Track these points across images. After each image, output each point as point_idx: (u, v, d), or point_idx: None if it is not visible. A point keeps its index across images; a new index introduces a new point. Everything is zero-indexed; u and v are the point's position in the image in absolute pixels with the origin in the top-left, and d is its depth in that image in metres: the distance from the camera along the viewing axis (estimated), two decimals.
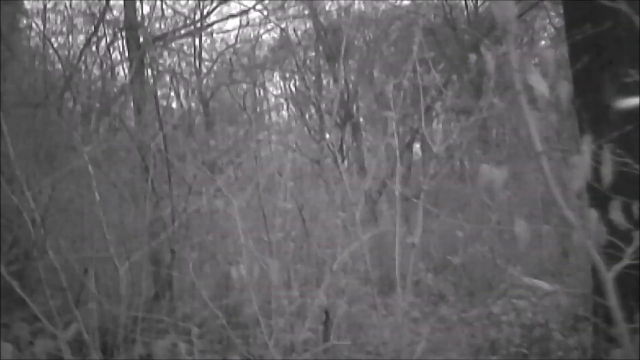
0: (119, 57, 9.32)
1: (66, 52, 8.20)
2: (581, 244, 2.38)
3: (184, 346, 2.47)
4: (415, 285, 6.43)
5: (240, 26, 9.99)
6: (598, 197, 2.76)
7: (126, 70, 8.56)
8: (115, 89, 8.60)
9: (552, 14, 9.49)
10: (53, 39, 8.37)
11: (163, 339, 2.68)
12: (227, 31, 10.38)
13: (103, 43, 8.70)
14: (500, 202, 4.07)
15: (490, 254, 5.55)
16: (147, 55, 8.00)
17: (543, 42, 9.55)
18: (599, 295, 2.64)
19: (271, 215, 5.71)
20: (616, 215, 2.58)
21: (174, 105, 9.84)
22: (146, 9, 8.47)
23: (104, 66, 8.56)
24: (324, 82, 10.86)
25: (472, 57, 4.31)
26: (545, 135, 2.58)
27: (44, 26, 8.08)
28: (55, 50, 7.85)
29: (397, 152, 5.48)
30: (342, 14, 9.76)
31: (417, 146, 10.17)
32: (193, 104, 9.82)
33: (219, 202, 5.06)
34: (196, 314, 4.98)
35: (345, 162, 10.16)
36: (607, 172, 2.39)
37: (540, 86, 2.43)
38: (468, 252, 5.49)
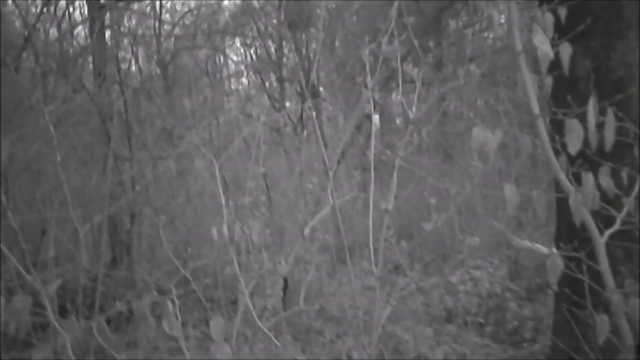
0: (79, 18, 9.16)
1: (24, 12, 8.01)
2: (576, 209, 2.40)
3: (169, 303, 2.46)
4: (374, 253, 6.48)
5: None
6: (593, 163, 2.79)
7: (86, 32, 8.41)
8: (74, 51, 8.45)
9: None
10: None
11: (142, 298, 2.66)
12: None
13: (63, 3, 8.53)
14: (481, 168, 4.10)
15: (446, 225, 5.62)
16: (108, 16, 7.87)
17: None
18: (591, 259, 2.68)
19: (240, 180, 5.72)
20: (605, 181, 2.61)
21: (133, 68, 9.71)
22: None
23: (63, 26, 8.39)
24: (286, 50, 10.81)
25: (452, 24, 4.33)
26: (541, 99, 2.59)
27: None
28: (17, 5, 7.68)
29: (373, 119, 5.50)
30: None
31: (375, 117, 10.21)
32: (153, 68, 9.70)
33: (199, 162, 5.02)
34: (158, 278, 4.98)
35: (305, 131, 10.16)
36: (610, 135, 2.40)
37: (544, 46, 2.44)
38: (437, 221, 5.53)
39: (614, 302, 2.34)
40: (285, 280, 6.17)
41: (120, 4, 8.13)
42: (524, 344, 5.35)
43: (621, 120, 2.47)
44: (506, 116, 7.16)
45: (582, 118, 2.38)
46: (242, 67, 11.67)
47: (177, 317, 2.47)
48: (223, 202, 3.06)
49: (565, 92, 2.52)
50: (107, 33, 8.38)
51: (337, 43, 10.30)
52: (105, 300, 4.90)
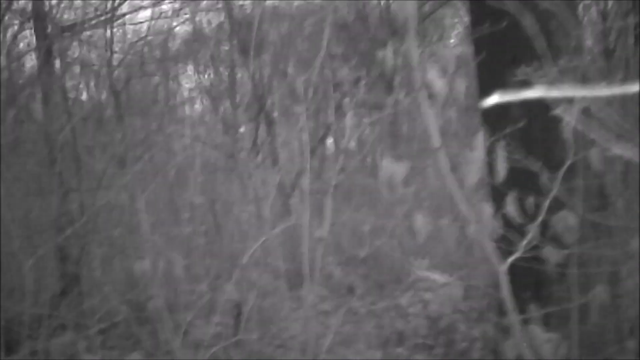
0: (27, 47, 9.09)
1: None
2: (475, 237, 2.47)
3: (83, 343, 2.44)
4: (326, 279, 6.50)
5: (153, 18, 9.87)
6: (497, 192, 2.86)
7: (34, 61, 8.35)
8: (22, 80, 8.39)
9: (462, 12, 9.72)
10: None
11: (61, 336, 2.64)
12: (140, 22, 10.24)
13: (10, 33, 8.47)
14: (405, 196, 4.15)
15: (396, 248, 5.66)
16: (56, 45, 7.83)
17: (452, 40, 9.76)
18: (494, 287, 2.75)
19: (181, 209, 5.70)
20: (511, 209, 2.69)
21: (84, 97, 9.65)
22: None
23: (10, 56, 8.33)
24: (238, 76, 10.82)
25: (380, 53, 4.39)
26: (444, 131, 2.66)
27: None
28: None
29: (308, 147, 5.53)
30: (256, 8, 9.76)
31: (330, 141, 10.25)
32: (104, 96, 9.65)
33: (123, 196, 5.01)
34: (106, 311, 4.93)
35: (260, 156, 10.16)
36: (501, 168, 2.48)
37: (438, 83, 2.51)
38: (374, 246, 5.58)
39: (513, 329, 2.39)
40: (239, 307, 6.15)
41: (67, 33, 8.10)
42: None
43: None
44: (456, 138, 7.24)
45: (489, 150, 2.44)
46: (195, 94, 11.67)
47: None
48: (146, 235, 3.05)
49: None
50: (57, 62, 8.35)
51: (290, 69, 10.35)
52: (54, 333, 4.84)
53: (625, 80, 4.56)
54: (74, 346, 2.52)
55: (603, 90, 0.94)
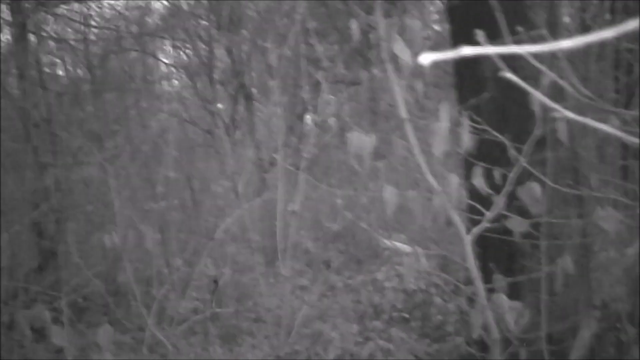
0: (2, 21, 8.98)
1: None
2: (442, 207, 2.49)
3: (49, 314, 2.46)
4: (303, 253, 6.53)
5: None
6: (465, 164, 2.88)
7: (9, 35, 8.26)
8: None
9: None
10: None
11: (30, 309, 2.66)
12: None
13: None
14: (376, 169, 4.18)
15: (372, 222, 5.69)
16: (31, 20, 7.76)
17: (435, 16, 9.74)
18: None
19: (157, 184, 5.69)
20: (478, 181, 2.71)
21: (60, 72, 9.57)
22: None
23: None
24: (217, 51, 10.76)
25: (353, 25, 4.40)
26: (413, 103, 2.67)
27: None
28: None
29: (282, 122, 5.54)
30: None
31: (308, 117, 10.24)
32: (80, 72, 9.58)
33: (99, 172, 5.00)
34: (79, 284, 4.94)
35: (237, 132, 10.14)
36: (466, 138, 2.50)
37: (404, 54, 2.52)
38: (347, 219, 5.61)
39: (479, 298, 2.42)
40: (216, 282, 6.17)
41: (42, 7, 8.02)
42: (448, 338, 5.44)
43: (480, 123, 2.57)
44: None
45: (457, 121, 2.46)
46: (173, 69, 11.59)
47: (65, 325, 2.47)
48: (116, 208, 3.06)
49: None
50: (32, 37, 8.27)
51: (268, 45, 10.30)
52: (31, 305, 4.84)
53: (601, 58, 4.59)
54: (43, 318, 2.54)
55: (576, 41, 0.94)
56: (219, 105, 10.31)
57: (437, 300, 5.72)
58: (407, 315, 5.82)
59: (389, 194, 2.64)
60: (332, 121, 5.92)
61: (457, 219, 2.57)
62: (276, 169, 8.08)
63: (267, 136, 8.45)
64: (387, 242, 2.90)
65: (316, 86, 9.71)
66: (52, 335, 2.45)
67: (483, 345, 2.84)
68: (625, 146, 3.74)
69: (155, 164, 6.40)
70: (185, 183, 6.88)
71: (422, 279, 5.75)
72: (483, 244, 2.70)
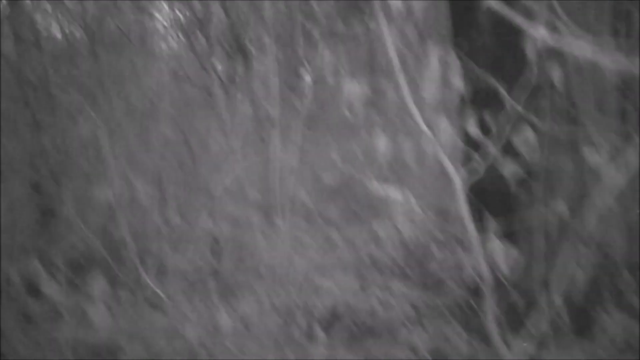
0: None
1: None
2: (433, 153, 2.48)
3: (43, 270, 2.47)
4: (302, 209, 6.54)
5: None
6: (458, 110, 2.86)
7: None
8: None
9: None
10: None
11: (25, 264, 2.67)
12: None
13: None
14: (368, 118, 4.15)
15: (364, 174, 5.68)
16: None
17: None
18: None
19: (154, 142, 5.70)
20: (472, 127, 2.69)
21: (56, 34, 9.50)
22: None
23: None
24: (213, 9, 10.66)
25: None
26: (403, 49, 2.65)
27: None
28: None
29: (277, 76, 5.51)
30: None
31: (305, 74, 10.18)
32: (77, 33, 9.51)
33: (97, 132, 4.99)
34: (77, 241, 4.96)
35: (235, 90, 10.09)
36: (456, 82, 2.48)
37: (396, 4, 2.48)
38: (343, 174, 5.62)
39: (473, 244, 2.42)
40: (216, 240, 6.20)
41: None
42: (446, 289, 5.47)
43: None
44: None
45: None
46: (170, 29, 11.50)
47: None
48: (110, 162, 3.06)
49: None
50: None
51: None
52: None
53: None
54: (37, 273, 2.55)
55: None
56: (217, 64, 10.25)
57: (435, 251, 5.74)
58: (405, 268, 5.85)
59: (383, 142, 2.63)
60: (328, 76, 5.90)
61: (450, 166, 2.56)
62: (273, 125, 8.08)
63: (264, 93, 8.41)
64: (379, 188, 2.90)
65: (312, 41, 9.67)
66: (45, 288, 2.46)
67: (478, 293, 2.85)
68: (623, 91, 3.72)
69: (152, 123, 6.39)
70: (183, 141, 6.87)
71: (419, 231, 5.76)
72: (477, 192, 2.69)
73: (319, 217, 6.50)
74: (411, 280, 5.85)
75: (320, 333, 4.71)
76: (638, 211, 4.43)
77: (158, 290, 4.48)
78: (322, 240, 6.16)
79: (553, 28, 2.56)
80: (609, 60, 2.16)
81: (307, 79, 10.74)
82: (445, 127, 2.50)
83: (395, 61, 2.52)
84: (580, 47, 2.46)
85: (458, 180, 2.56)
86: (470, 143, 2.65)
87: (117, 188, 3.80)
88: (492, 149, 2.61)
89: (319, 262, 6.07)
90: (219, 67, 10.42)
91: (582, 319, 3.40)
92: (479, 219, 2.65)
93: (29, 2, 8.42)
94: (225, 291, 5.80)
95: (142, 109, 6.88)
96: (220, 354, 4.66)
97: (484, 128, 2.67)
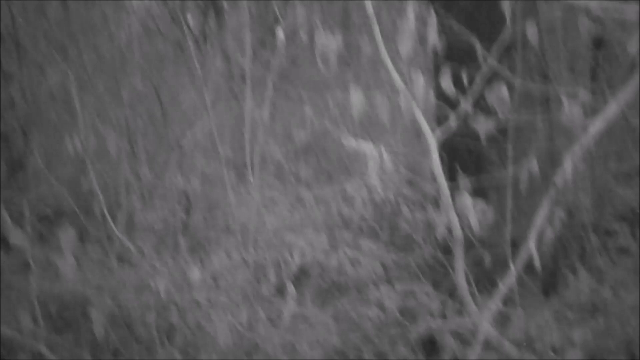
0: None
1: None
2: (405, 107, 2.47)
3: (11, 221, 2.44)
4: (274, 166, 6.53)
5: None
6: (432, 65, 2.84)
7: None
8: None
9: None
10: None
11: None
12: None
13: None
14: (342, 72, 4.13)
15: (337, 129, 5.67)
16: None
17: None
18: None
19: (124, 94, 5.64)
20: (446, 81, 2.68)
21: None
22: None
23: None
24: None
25: None
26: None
27: None
28: None
29: (248, 31, 5.45)
30: None
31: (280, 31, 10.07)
32: None
33: (57, 79, 4.91)
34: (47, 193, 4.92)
35: (208, 45, 9.96)
36: (432, 38, 2.46)
37: None
38: (316, 130, 5.60)
39: (443, 198, 2.43)
40: (186, 196, 6.17)
41: None
42: (415, 246, 5.50)
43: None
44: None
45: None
46: None
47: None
48: (79, 113, 3.00)
49: None
50: None
51: None
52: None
53: None
54: (5, 226, 2.53)
55: None
56: (189, 18, 10.10)
57: (405, 210, 5.76)
58: (376, 226, 5.86)
59: (357, 98, 2.61)
60: (302, 31, 5.82)
61: (423, 120, 2.56)
62: (245, 81, 8.01)
63: (237, 48, 8.32)
64: (352, 144, 2.90)
65: None
66: (10, 237, 2.43)
67: (447, 249, 2.87)
68: (595, 48, 3.72)
69: (123, 75, 6.31)
70: (154, 94, 6.80)
71: (390, 190, 5.77)
72: (449, 149, 2.69)
73: (290, 175, 6.49)
74: (381, 239, 5.87)
75: (290, 289, 4.73)
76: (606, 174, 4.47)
77: (128, 244, 4.46)
78: (293, 197, 6.15)
79: None
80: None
81: (281, 34, 10.62)
82: (420, 83, 2.48)
83: (371, 16, 2.49)
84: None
85: (431, 137, 2.56)
86: (444, 99, 2.64)
87: (87, 140, 3.75)
88: (466, 105, 2.60)
89: (289, 219, 6.06)
90: (192, 22, 10.27)
91: (549, 279, 3.44)
92: (451, 176, 2.66)
93: None
94: (195, 246, 5.79)
95: (112, 61, 6.77)
96: (189, 308, 4.67)
97: (459, 84, 2.66)
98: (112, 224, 4.15)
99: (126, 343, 4.52)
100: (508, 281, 2.82)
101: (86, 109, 6.52)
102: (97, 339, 3.91)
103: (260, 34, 8.56)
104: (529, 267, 2.84)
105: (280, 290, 4.93)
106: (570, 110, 2.85)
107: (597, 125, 2.98)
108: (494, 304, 2.89)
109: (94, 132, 4.18)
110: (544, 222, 2.86)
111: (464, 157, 3.41)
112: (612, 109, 2.78)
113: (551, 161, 3.65)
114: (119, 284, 4.50)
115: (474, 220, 2.60)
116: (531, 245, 2.61)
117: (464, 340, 3.41)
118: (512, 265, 2.84)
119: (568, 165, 3.94)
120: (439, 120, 2.63)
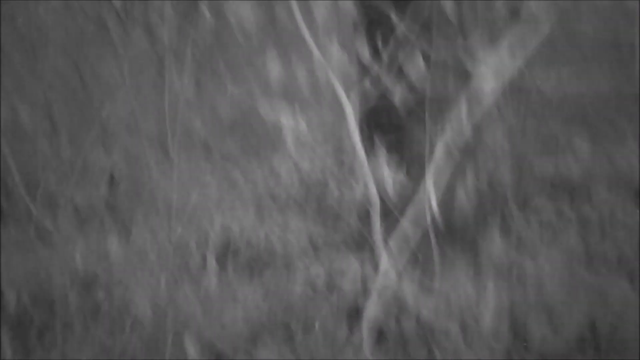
0: None
1: None
2: (325, 79, 2.47)
3: None
4: (200, 144, 6.47)
5: None
6: (351, 34, 2.84)
7: None
8: None
9: None
10: None
11: None
12: None
13: None
14: (261, 41, 4.10)
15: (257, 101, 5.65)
16: None
17: None
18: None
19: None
20: (361, 49, 2.68)
21: None
22: None
23: None
24: None
25: None
26: None
27: None
28: None
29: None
30: None
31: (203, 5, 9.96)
32: None
33: None
34: None
35: (132, 23, 9.79)
36: (349, 6, 2.46)
37: None
38: (241, 105, 5.58)
39: (362, 168, 2.45)
40: (112, 175, 6.07)
41: None
42: (342, 222, 5.53)
43: None
44: None
45: None
46: None
47: None
48: None
49: None
50: None
51: None
52: None
53: None
54: None
55: None
56: None
57: (332, 185, 5.79)
58: (304, 204, 5.88)
59: (276, 69, 2.60)
60: (226, 6, 5.77)
61: (342, 92, 2.56)
62: (169, 57, 7.91)
63: (160, 26, 8.19)
64: (272, 116, 2.89)
65: None
66: None
67: (367, 218, 2.89)
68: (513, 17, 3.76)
69: (42, 51, 6.15)
70: (75, 71, 6.65)
71: (314, 162, 5.79)
72: (367, 119, 2.70)
73: (215, 151, 6.44)
74: (309, 215, 5.89)
75: (216, 266, 4.72)
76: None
77: (48, 225, 4.38)
78: (219, 174, 6.11)
79: None
80: None
81: (204, 9, 10.51)
82: (338, 53, 2.48)
83: None
84: None
85: (349, 107, 2.57)
86: (363, 69, 2.65)
87: (4, 116, 3.65)
88: (384, 75, 2.62)
89: (216, 196, 6.03)
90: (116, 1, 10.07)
91: (467, 245, 3.50)
92: (369, 146, 2.68)
93: None
94: (119, 225, 5.71)
95: (31, 37, 6.60)
96: (114, 286, 4.62)
97: (376, 54, 2.67)
98: (30, 203, 4.06)
99: (49, 323, 4.45)
100: (425, 248, 2.87)
101: (3, 84, 6.36)
102: (16, 320, 3.84)
103: (184, 7, 8.45)
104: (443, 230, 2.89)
105: (206, 268, 4.91)
106: (487, 83, 2.89)
107: (517, 100, 3.04)
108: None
109: (11, 109, 4.08)
110: (461, 190, 2.90)
111: (381, 127, 3.42)
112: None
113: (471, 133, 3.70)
114: (40, 264, 4.42)
115: (391, 190, 2.62)
116: (433, 205, 2.66)
117: (387, 309, 3.45)
118: (430, 233, 2.89)
119: (485, 136, 4.02)
120: (358, 90, 2.64)
